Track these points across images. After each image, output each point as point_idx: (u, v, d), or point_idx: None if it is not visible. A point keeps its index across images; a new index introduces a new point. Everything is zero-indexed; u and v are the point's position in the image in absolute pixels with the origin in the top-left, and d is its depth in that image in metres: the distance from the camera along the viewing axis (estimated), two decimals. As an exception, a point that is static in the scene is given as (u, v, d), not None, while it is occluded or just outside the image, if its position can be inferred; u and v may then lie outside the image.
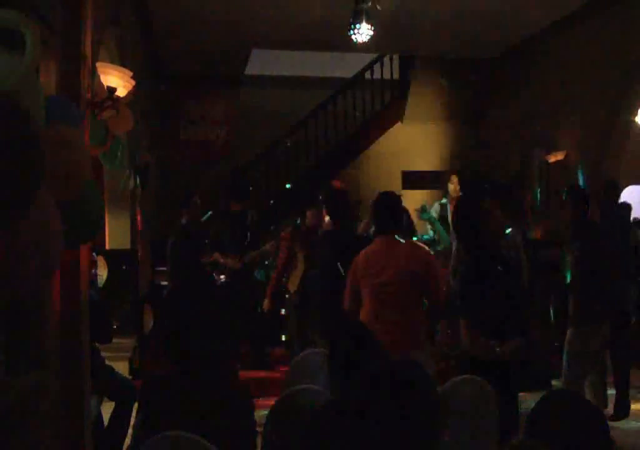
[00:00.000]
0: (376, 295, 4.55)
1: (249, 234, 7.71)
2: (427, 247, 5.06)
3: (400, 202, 4.85)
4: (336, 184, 9.30)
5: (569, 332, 5.51)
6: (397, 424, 1.97)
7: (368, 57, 11.38)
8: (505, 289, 4.15)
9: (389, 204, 4.74)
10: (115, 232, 7.06)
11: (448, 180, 8.24)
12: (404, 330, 4.45)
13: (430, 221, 7.38)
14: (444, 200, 8.21)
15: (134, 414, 4.50)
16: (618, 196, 7.14)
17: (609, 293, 5.60)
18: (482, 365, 3.97)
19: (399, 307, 4.48)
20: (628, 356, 6.45)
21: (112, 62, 5.24)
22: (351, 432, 2.07)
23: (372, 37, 7.64)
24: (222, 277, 7.61)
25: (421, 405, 1.99)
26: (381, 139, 11.57)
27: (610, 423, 2.22)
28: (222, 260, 7.52)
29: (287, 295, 7.52)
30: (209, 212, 8.35)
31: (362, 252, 4.77)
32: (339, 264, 5.58)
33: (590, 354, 5.47)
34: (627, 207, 6.87)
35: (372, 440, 1.98)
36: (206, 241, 7.82)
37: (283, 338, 8.40)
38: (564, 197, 5.78)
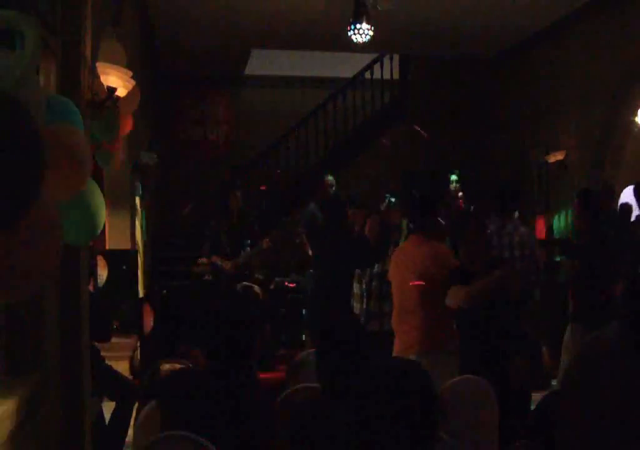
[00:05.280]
0: (400, 294, 4.66)
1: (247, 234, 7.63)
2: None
3: (437, 203, 5.01)
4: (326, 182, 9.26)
5: (567, 328, 5.55)
6: (394, 422, 1.97)
7: (368, 57, 11.37)
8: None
9: (428, 205, 4.85)
10: (115, 232, 7.05)
11: (448, 180, 8.26)
12: (424, 330, 4.49)
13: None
14: None
15: (134, 414, 4.52)
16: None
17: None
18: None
19: (420, 306, 4.52)
20: None
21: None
22: (349, 431, 2.07)
23: (372, 37, 7.65)
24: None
25: (417, 404, 1.99)
26: (381, 138, 11.56)
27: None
28: (219, 263, 7.44)
29: None
30: None
31: (396, 249, 5.01)
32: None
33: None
34: (627, 207, 6.87)
35: (368, 438, 1.98)
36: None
37: (282, 338, 8.38)
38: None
